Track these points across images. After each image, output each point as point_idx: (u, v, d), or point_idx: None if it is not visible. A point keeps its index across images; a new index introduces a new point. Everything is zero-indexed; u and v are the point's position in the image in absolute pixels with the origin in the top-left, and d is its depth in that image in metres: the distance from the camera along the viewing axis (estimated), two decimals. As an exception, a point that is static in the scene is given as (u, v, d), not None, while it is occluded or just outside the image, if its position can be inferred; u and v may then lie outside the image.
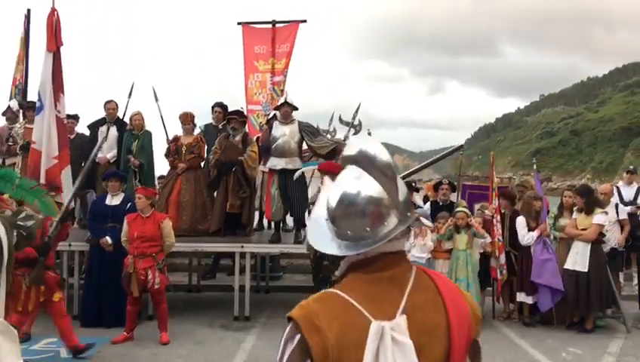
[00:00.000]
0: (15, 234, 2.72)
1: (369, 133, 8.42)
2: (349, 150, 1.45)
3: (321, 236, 1.41)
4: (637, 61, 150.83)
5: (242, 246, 7.29)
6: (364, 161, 1.38)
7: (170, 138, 8.37)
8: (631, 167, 9.73)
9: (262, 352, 5.98)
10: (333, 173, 5.47)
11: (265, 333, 6.69)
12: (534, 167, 9.69)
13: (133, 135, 8.28)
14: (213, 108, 8.74)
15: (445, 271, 7.11)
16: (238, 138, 7.79)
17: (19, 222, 2.82)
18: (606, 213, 7.10)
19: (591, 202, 6.98)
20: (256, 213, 8.74)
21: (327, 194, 1.42)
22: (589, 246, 6.82)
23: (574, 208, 7.20)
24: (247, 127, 9.24)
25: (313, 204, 3.87)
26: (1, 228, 2.59)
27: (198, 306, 7.96)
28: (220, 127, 8.54)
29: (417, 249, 7.17)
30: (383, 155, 1.38)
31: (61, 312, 5.51)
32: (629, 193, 8.40)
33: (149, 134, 8.45)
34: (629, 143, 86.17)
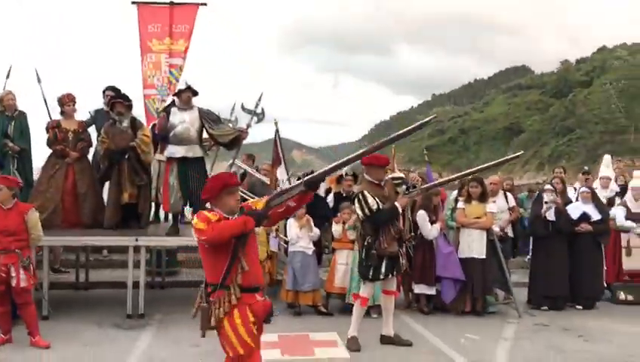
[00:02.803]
0: None
1: (276, 123, 8.18)
2: None
3: None
4: (517, 65, 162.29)
5: (137, 240, 6.81)
6: None
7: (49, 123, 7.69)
8: (586, 168, 10.59)
9: (159, 351, 5.60)
10: (378, 166, 5.01)
11: (161, 331, 6.30)
12: (426, 158, 9.91)
13: (7, 117, 7.58)
14: (104, 92, 8.15)
15: (349, 262, 7.11)
16: (125, 123, 7.35)
17: None
18: (494, 201, 7.61)
19: (485, 191, 7.37)
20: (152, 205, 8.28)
21: None
22: (485, 233, 7.18)
23: (460, 198, 7.51)
24: (144, 111, 8.84)
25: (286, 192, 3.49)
26: None
27: (86, 305, 7.39)
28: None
29: (305, 240, 7.11)
30: None
31: None
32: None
33: (24, 116, 7.77)
34: (510, 142, 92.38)
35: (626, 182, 9.04)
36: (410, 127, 3.44)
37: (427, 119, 3.61)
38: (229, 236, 3.37)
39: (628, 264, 8.30)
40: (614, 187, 9.19)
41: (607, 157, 9.76)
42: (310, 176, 3.63)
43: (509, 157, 6.72)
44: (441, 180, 7.37)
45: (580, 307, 7.80)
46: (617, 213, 8.38)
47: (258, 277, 3.62)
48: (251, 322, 3.49)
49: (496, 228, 7.52)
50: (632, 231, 8.29)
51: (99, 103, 8.29)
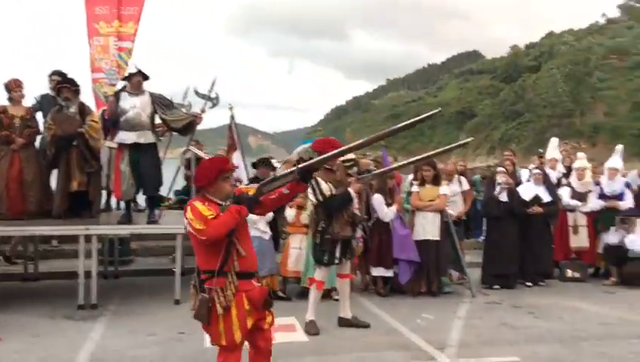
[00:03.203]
0: None
1: (230, 108, 8.06)
2: None
3: None
4: (469, 50, 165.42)
5: (87, 229, 6.63)
6: None
7: None
8: (540, 150, 10.92)
9: (112, 341, 5.48)
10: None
11: (115, 321, 6.16)
12: (381, 142, 9.94)
13: (-52, 103, 7.22)
14: (50, 76, 7.84)
15: (303, 246, 7.11)
16: (73, 109, 7.10)
17: None
18: (448, 184, 7.79)
19: (438, 175, 7.51)
20: (103, 193, 8.07)
21: None
22: (439, 215, 7.31)
23: (414, 182, 7.62)
24: (93, 96, 8.57)
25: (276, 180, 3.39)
26: None
27: (36, 296, 7.16)
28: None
29: (262, 223, 7.06)
30: None
31: None
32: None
33: None
34: (463, 126, 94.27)
35: (572, 163, 9.35)
36: (415, 119, 3.52)
37: (432, 112, 3.67)
38: (227, 231, 3.30)
39: (575, 242, 8.60)
40: (561, 168, 9.48)
41: (554, 140, 10.03)
42: (304, 164, 3.58)
43: (460, 142, 6.86)
44: (393, 165, 7.44)
45: (530, 284, 8.07)
46: (563, 193, 8.66)
47: (253, 263, 3.54)
48: (246, 310, 3.38)
49: (452, 212, 7.67)
50: (577, 210, 8.59)
51: (44, 88, 8.00)
